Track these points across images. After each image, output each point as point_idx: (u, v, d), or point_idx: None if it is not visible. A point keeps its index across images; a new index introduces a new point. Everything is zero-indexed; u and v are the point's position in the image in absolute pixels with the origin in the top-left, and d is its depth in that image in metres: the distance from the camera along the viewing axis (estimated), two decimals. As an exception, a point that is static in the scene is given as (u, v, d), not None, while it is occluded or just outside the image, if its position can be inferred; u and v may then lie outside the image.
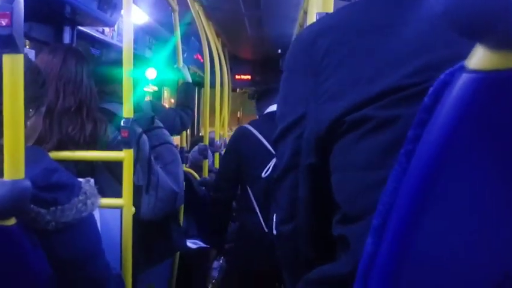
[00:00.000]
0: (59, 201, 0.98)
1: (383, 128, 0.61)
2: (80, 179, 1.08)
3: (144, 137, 1.85)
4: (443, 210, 0.33)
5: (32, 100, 1.07)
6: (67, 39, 2.48)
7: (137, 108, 1.88)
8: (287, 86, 0.80)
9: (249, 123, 2.50)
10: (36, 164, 0.99)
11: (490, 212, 0.33)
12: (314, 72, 0.71)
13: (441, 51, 0.61)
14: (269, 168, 2.24)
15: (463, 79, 0.32)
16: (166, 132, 2.05)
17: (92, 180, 1.10)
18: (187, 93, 2.79)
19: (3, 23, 0.80)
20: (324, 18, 0.82)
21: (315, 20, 1.21)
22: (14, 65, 0.86)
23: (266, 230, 2.22)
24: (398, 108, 0.61)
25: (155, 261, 2.13)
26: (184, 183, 2.69)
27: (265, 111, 2.47)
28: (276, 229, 0.84)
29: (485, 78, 0.31)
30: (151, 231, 2.01)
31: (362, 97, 0.63)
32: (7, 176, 0.89)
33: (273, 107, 2.37)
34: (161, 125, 2.05)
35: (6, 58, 0.85)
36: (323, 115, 0.68)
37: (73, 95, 1.65)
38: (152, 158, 1.86)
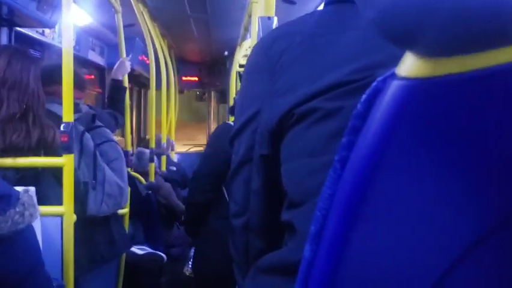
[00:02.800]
0: None
1: (328, 118, 0.67)
2: (19, 189, 1.03)
3: (87, 134, 1.81)
4: (377, 214, 0.34)
5: None
6: (4, 40, 2.38)
7: (76, 108, 1.83)
8: (246, 86, 0.86)
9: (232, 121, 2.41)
10: None
11: (424, 214, 0.33)
12: (271, 72, 0.77)
13: (376, 55, 0.68)
14: None
15: (393, 86, 0.33)
16: (107, 130, 2.02)
17: (31, 190, 1.05)
18: (114, 92, 2.67)
19: None
20: (283, 25, 0.88)
21: (257, 24, 1.24)
22: None
23: None
24: (342, 100, 0.67)
25: (98, 262, 2.07)
26: (130, 188, 2.64)
27: None
28: (230, 223, 0.88)
29: (415, 85, 0.32)
30: (94, 233, 1.96)
31: (310, 91, 0.69)
32: None
33: None
34: (101, 124, 2.01)
35: None
36: (275, 109, 0.73)
37: (17, 101, 1.57)
38: (97, 154, 1.83)
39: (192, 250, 2.57)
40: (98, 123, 2.00)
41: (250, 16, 2.31)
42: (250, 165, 0.80)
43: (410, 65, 0.32)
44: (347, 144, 0.36)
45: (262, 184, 0.79)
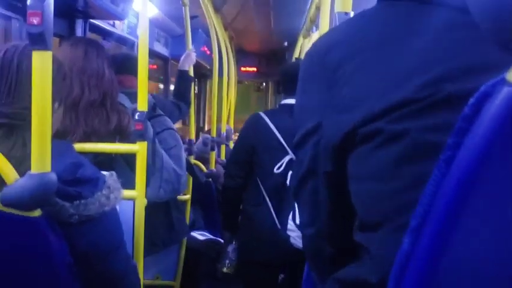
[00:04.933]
0: (83, 195, 1.00)
1: (394, 141, 0.64)
2: (104, 173, 1.11)
3: (147, 122, 1.88)
4: (480, 214, 0.36)
5: (56, 93, 1.09)
6: (79, 32, 2.50)
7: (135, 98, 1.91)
8: (302, 96, 0.83)
9: (264, 112, 2.42)
10: (62, 157, 1.02)
11: None
12: (328, 83, 0.73)
13: (449, 63, 0.63)
14: (282, 164, 2.20)
15: (504, 92, 0.34)
16: (167, 119, 2.09)
17: (115, 174, 1.12)
18: (181, 82, 2.75)
19: (35, 21, 0.82)
20: (333, 31, 0.85)
21: (331, 18, 1.24)
22: (44, 61, 0.88)
23: (279, 227, 2.20)
24: (408, 121, 0.63)
25: (158, 246, 2.16)
26: (191, 177, 2.72)
27: (281, 102, 2.41)
28: (301, 231, 0.88)
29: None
30: (154, 218, 2.04)
31: (373, 110, 0.65)
32: (34, 169, 0.92)
33: (288, 100, 2.31)
34: (162, 113, 2.08)
35: (36, 55, 0.88)
36: (337, 126, 0.70)
37: (96, 87, 1.68)
38: (156, 141, 1.90)
39: (230, 247, 2.61)
40: (159, 111, 2.07)
41: (318, 8, 2.31)
42: (316, 177, 0.78)
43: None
44: (452, 145, 0.38)
45: (328, 197, 0.78)
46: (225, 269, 2.57)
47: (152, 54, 4.29)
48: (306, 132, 0.78)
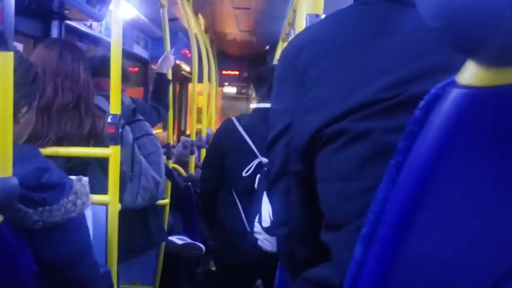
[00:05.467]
0: (48, 201, 0.97)
1: (358, 141, 0.64)
2: (72, 177, 1.08)
3: (127, 127, 1.85)
4: (432, 217, 0.34)
5: (23, 96, 1.06)
6: (55, 33, 2.46)
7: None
8: (276, 96, 0.84)
9: (236, 117, 2.44)
10: (28, 162, 0.99)
11: (481, 216, 0.34)
12: (298, 84, 0.74)
13: (414, 64, 0.64)
14: (251, 167, 2.22)
15: (454, 94, 0.33)
16: (147, 124, 2.06)
17: (84, 179, 1.09)
18: (159, 85, 2.73)
19: (-6, 20, 0.79)
20: (308, 30, 0.86)
21: (304, 21, 1.23)
22: (4, 62, 0.85)
23: (248, 229, 2.21)
24: (372, 122, 0.64)
25: (135, 252, 2.13)
26: (169, 180, 2.69)
27: (255, 106, 2.44)
28: (274, 232, 0.88)
29: (476, 94, 0.32)
30: (131, 224, 2.01)
31: (339, 110, 0.66)
32: (-5, 174, 0.89)
33: (261, 104, 2.33)
34: (141, 117, 2.06)
35: (-4, 55, 0.84)
36: (305, 127, 0.71)
37: (70, 90, 1.64)
38: (136, 147, 1.87)
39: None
40: (139, 116, 2.04)
41: (295, 11, 2.31)
42: (287, 177, 0.79)
43: (472, 74, 0.32)
44: (403, 149, 0.37)
45: (300, 197, 0.78)
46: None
47: (132, 57, 4.25)
48: (277, 133, 0.79)
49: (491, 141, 0.32)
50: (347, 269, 0.60)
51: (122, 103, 2.02)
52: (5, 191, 0.89)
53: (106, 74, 1.98)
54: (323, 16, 1.17)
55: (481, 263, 0.33)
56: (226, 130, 2.41)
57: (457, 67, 0.58)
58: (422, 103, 0.36)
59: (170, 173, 2.64)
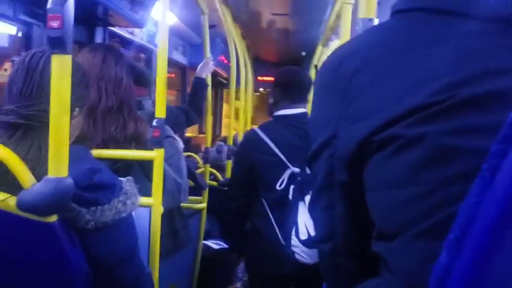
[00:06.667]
0: (100, 201, 0.99)
1: (411, 146, 0.62)
2: (122, 179, 1.10)
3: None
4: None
5: (78, 100, 1.10)
6: (98, 39, 2.52)
7: (139, 106, 1.91)
8: (317, 107, 0.82)
9: (259, 127, 2.34)
10: (80, 163, 1.01)
11: None
12: (343, 92, 0.72)
13: (469, 67, 0.62)
14: (284, 180, 2.14)
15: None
16: (167, 127, 2.06)
17: (132, 179, 1.12)
18: (196, 89, 2.75)
19: (55, 25, 0.82)
20: (349, 42, 0.83)
21: (355, 25, 1.22)
22: (63, 65, 0.87)
23: (283, 243, 2.13)
24: (424, 126, 0.62)
25: (162, 256, 2.16)
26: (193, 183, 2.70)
27: (276, 113, 2.31)
28: (317, 247, 0.86)
29: None
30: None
31: (390, 116, 0.64)
32: (51, 174, 0.91)
33: (286, 111, 2.25)
34: None
35: (55, 59, 0.87)
36: (353, 135, 0.69)
37: (114, 94, 1.67)
38: None
39: (239, 268, 2.58)
40: None
41: (338, 16, 2.29)
42: (331, 191, 0.76)
43: None
44: (497, 153, 0.35)
45: (346, 210, 0.76)
46: None
47: (170, 63, 4.32)
48: (320, 146, 0.77)
49: None
50: (405, 279, 0.58)
51: (142, 107, 2.05)
52: (60, 191, 0.91)
53: (139, 83, 2.03)
54: (376, 21, 1.15)
55: None
56: (251, 142, 2.30)
57: (508, 70, 0.56)
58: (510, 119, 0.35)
59: (193, 176, 2.63)
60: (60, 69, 0.88)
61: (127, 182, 1.09)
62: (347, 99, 0.71)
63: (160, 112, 1.66)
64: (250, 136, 2.34)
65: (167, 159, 1.96)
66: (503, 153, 0.34)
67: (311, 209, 0.84)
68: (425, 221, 0.57)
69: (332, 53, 0.82)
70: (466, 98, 0.59)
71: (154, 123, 1.65)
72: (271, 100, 2.35)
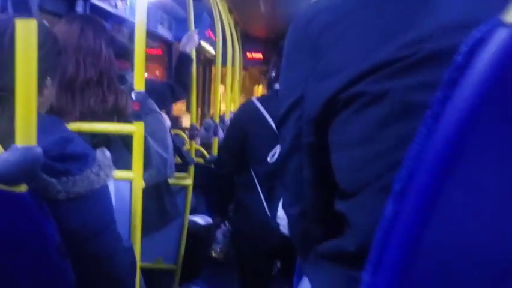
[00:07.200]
0: (71, 172, 0.98)
1: (375, 103, 0.62)
2: (97, 150, 1.08)
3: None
4: (471, 173, 0.32)
5: (49, 69, 1.07)
6: (79, 12, 2.47)
7: (121, 80, 1.88)
8: (286, 68, 0.81)
9: (257, 98, 2.35)
10: (51, 132, 0.99)
11: None
12: (311, 51, 0.71)
13: (429, 22, 0.61)
14: (275, 153, 2.12)
15: (501, 34, 0.30)
16: (151, 101, 2.01)
17: (107, 151, 1.10)
18: (181, 64, 2.69)
19: (16, -14, 0.79)
20: (317, 1, 0.81)
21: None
22: (27, 30, 0.84)
23: (269, 214, 2.15)
24: (388, 82, 0.61)
25: (150, 230, 2.15)
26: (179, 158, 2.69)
27: (275, 87, 2.31)
28: (284, 211, 0.85)
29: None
30: (145, 202, 2.03)
31: (355, 73, 0.63)
32: (19, 143, 0.89)
33: None
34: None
35: (20, 23, 0.84)
36: (320, 93, 0.68)
37: (92, 66, 1.64)
38: None
39: (219, 232, 2.57)
40: None
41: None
42: (299, 153, 0.76)
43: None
44: (441, 99, 0.34)
45: (313, 172, 0.75)
46: (213, 254, 2.54)
47: (156, 38, 4.25)
48: (288, 108, 0.76)
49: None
50: (364, 235, 0.58)
51: (126, 82, 2.02)
52: (28, 160, 0.89)
53: (121, 57, 1.97)
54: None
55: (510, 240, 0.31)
56: (247, 112, 2.31)
57: (474, 23, 0.55)
58: (463, 48, 0.34)
59: (178, 150, 2.61)
60: (25, 34, 0.84)
61: (100, 154, 1.07)
62: (316, 57, 0.70)
63: (139, 85, 1.63)
64: (247, 107, 2.34)
65: (152, 134, 1.94)
66: (446, 99, 0.33)
67: (280, 174, 0.83)
68: (386, 177, 0.56)
69: (300, 13, 0.80)
70: (430, 53, 0.58)
71: (133, 96, 1.62)
72: (272, 73, 2.33)
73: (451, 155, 0.31)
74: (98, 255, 1.07)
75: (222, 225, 2.54)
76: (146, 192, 1.94)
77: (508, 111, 0.30)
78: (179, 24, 4.58)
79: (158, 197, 2.15)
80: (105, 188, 1.07)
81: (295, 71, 0.76)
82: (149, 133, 1.93)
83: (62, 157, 0.98)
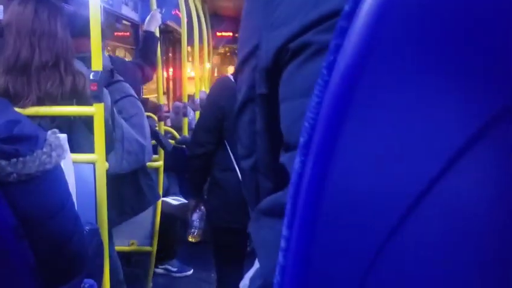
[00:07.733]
0: (21, 152, 0.96)
1: (321, 53, 0.60)
2: (47, 131, 1.06)
3: (105, 90, 1.75)
4: (365, 119, 0.32)
5: None
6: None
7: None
8: (244, 18, 0.78)
9: (232, 74, 2.30)
10: None
11: (413, 117, 0.31)
12: (266, 1, 0.69)
13: None
14: None
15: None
16: (127, 85, 1.98)
17: (58, 132, 1.08)
18: (146, 43, 2.65)
19: None
20: None
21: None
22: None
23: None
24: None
25: (128, 214, 2.13)
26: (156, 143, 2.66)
27: None
28: (239, 165, 0.84)
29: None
30: (122, 187, 2.00)
31: (304, 22, 0.61)
32: (-37, 126, 0.87)
33: None
34: (121, 78, 1.98)
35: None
36: (272, 43, 0.66)
37: (48, 49, 1.59)
38: (115, 111, 1.81)
39: (195, 215, 2.54)
40: (117, 77, 1.97)
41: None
42: (253, 105, 0.74)
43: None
44: (333, 48, 0.34)
45: (265, 125, 0.74)
46: (190, 238, 2.52)
47: (120, 18, 4.16)
48: (243, 58, 0.74)
49: (426, 25, 0.29)
50: None
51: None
52: (-26, 143, 0.87)
53: (84, 34, 1.88)
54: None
55: (414, 167, 0.31)
56: (224, 89, 2.25)
57: None
58: None
59: (155, 135, 2.58)
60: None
61: (51, 134, 1.05)
62: (270, 7, 0.68)
63: (97, 65, 1.60)
64: (223, 82, 2.29)
65: (129, 119, 1.90)
66: (338, 48, 0.33)
67: (235, 127, 0.82)
68: None
69: None
70: None
71: (91, 76, 1.59)
72: None
73: (343, 102, 0.32)
74: (56, 236, 1.06)
75: (197, 209, 2.51)
76: (122, 178, 1.93)
77: (396, 58, 0.30)
78: (145, 4, 4.49)
79: (135, 181, 2.12)
80: (58, 168, 1.06)
81: (251, 20, 0.74)
82: (126, 119, 1.89)
83: (11, 138, 0.96)
